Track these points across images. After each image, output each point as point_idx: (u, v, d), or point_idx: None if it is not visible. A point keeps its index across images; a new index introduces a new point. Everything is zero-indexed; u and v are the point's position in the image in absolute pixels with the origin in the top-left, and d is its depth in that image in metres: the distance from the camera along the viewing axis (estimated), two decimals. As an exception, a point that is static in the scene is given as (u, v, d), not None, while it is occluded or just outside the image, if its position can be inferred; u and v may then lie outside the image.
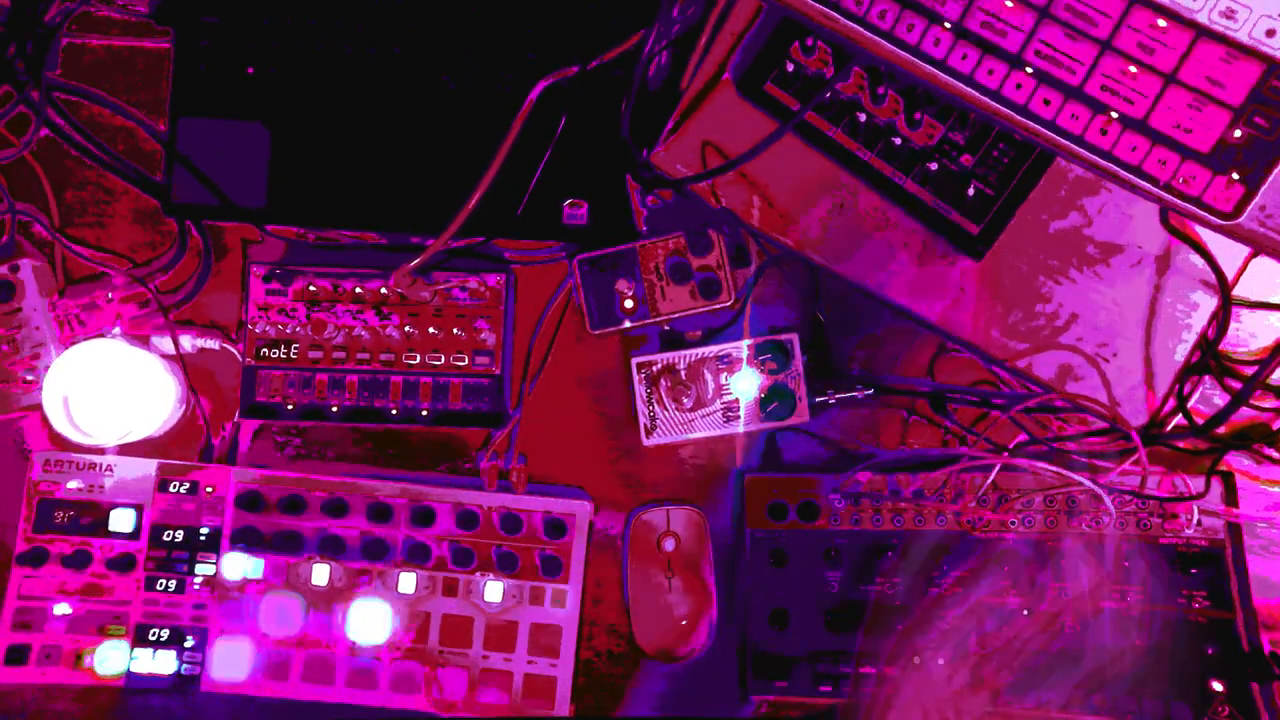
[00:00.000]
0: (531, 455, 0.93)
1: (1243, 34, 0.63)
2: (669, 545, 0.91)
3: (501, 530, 0.90)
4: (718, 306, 0.89)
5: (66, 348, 0.89)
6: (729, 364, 0.88)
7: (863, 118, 0.88)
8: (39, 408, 0.90)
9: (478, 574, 0.90)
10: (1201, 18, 0.64)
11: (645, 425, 0.89)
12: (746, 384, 0.88)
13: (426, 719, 0.89)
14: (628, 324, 0.89)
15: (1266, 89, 0.63)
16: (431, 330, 0.91)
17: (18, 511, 0.91)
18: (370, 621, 0.89)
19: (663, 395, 0.88)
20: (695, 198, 0.91)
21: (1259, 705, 0.83)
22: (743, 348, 0.88)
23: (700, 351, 0.89)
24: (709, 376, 0.88)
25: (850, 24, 0.71)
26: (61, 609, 0.89)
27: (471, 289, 0.91)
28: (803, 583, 0.89)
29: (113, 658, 0.89)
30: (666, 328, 0.91)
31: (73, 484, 0.91)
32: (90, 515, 0.90)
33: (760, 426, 0.88)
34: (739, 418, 0.88)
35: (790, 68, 0.89)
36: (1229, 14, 0.63)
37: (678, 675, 0.91)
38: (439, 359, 0.91)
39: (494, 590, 0.89)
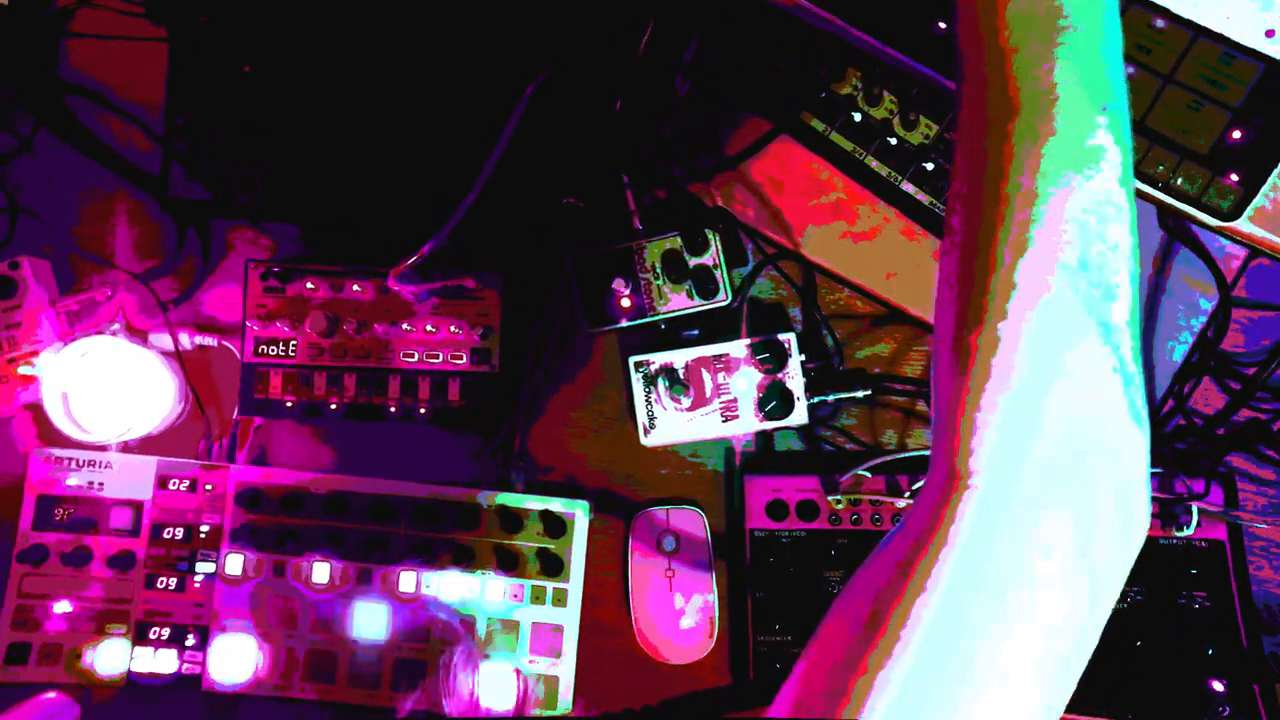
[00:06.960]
0: (530, 454, 0.93)
1: (1242, 34, 0.63)
2: (669, 544, 0.91)
3: (502, 529, 0.90)
4: (715, 305, 0.89)
5: (66, 344, 0.89)
6: (726, 363, 0.88)
7: (858, 117, 0.88)
8: (39, 405, 0.89)
9: (479, 572, 0.89)
10: (1199, 19, 0.63)
11: (644, 425, 0.88)
12: (744, 383, 0.88)
13: (429, 718, 0.89)
14: (624, 323, 0.89)
15: (1266, 89, 0.63)
16: (429, 328, 0.91)
17: (17, 509, 0.90)
18: (371, 621, 0.89)
19: (661, 395, 0.88)
20: (692, 196, 0.91)
21: (1260, 706, 0.82)
22: (740, 347, 0.88)
23: (698, 351, 0.88)
24: (707, 376, 0.88)
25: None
26: (62, 607, 0.89)
27: (468, 287, 0.91)
28: (803, 582, 0.88)
29: (113, 657, 0.89)
30: (663, 327, 0.90)
31: (72, 481, 0.90)
32: (90, 512, 0.90)
33: (759, 426, 0.88)
34: (737, 417, 0.88)
35: (781, 65, 0.89)
36: (1228, 16, 0.63)
37: (679, 675, 0.91)
38: (437, 357, 0.91)
39: (495, 589, 0.89)
